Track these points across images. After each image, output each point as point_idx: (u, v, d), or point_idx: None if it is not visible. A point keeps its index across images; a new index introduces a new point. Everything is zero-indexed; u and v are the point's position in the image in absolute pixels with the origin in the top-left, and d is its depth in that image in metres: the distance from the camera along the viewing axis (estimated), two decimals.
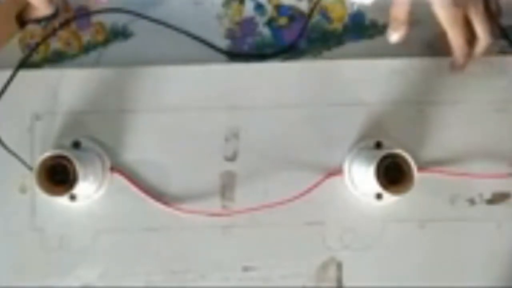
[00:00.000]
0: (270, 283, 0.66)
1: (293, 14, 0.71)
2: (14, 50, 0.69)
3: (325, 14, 0.71)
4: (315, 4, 0.70)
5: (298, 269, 0.66)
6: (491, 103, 0.68)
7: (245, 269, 0.66)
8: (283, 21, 0.71)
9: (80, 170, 0.60)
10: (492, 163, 0.67)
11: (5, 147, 0.62)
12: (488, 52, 0.65)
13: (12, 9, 0.68)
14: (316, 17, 0.71)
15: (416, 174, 0.60)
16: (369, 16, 0.70)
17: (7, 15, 0.68)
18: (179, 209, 0.66)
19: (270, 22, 0.71)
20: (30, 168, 0.61)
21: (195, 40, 0.69)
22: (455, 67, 0.66)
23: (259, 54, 0.70)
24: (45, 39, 0.69)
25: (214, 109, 0.67)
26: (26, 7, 0.68)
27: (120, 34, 0.70)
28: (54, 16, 0.69)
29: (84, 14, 0.70)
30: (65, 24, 0.69)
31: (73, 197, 0.65)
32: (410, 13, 0.64)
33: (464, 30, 0.63)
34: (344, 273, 0.66)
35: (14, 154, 0.62)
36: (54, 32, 0.69)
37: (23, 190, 0.66)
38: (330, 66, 0.68)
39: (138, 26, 0.70)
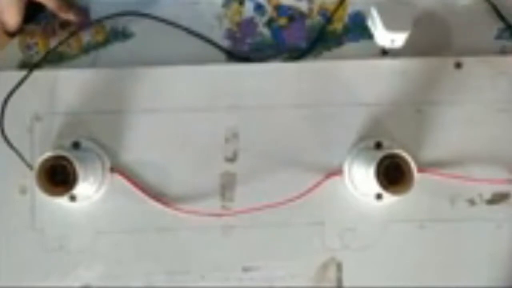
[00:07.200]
0: (270, 283, 0.66)
1: (293, 14, 0.71)
2: (14, 50, 0.69)
3: (325, 15, 0.71)
4: (337, 7, 0.69)
5: (298, 269, 0.66)
6: (491, 103, 0.68)
7: (245, 269, 0.66)
8: (282, 21, 0.71)
9: (80, 170, 0.60)
10: (492, 165, 0.67)
11: (8, 142, 0.62)
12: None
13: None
14: (316, 18, 0.71)
15: (416, 174, 0.60)
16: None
17: None
18: (179, 209, 0.66)
19: (270, 23, 0.71)
20: (31, 166, 0.61)
21: (196, 37, 0.69)
22: None
23: (259, 54, 0.70)
24: (68, 38, 0.68)
25: (214, 109, 0.67)
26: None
27: (120, 34, 0.70)
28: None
29: (97, 20, 0.70)
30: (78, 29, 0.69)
31: (73, 198, 0.64)
32: None
33: None
34: (344, 273, 0.66)
35: (16, 151, 0.62)
36: (74, 33, 0.68)
37: (23, 190, 0.66)
38: (330, 67, 0.68)
39: (138, 26, 0.70)
